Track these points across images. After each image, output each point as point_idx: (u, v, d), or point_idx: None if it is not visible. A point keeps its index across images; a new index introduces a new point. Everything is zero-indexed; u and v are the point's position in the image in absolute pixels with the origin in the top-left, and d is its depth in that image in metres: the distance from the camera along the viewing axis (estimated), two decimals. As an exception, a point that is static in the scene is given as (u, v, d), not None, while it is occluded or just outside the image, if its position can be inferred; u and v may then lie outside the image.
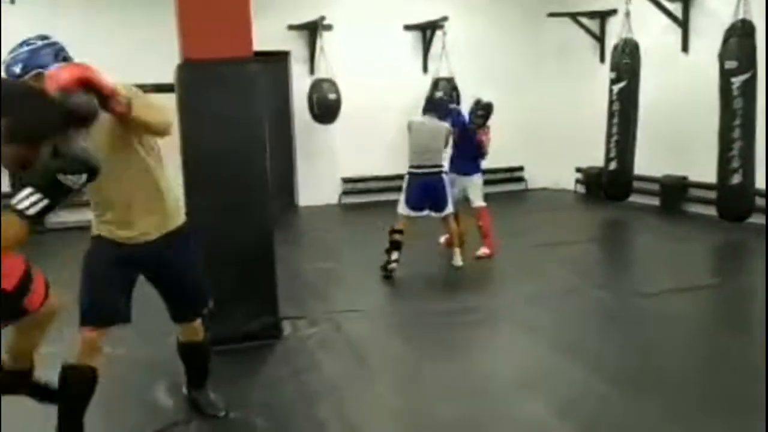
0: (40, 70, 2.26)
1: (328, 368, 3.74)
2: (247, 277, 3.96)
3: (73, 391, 2.61)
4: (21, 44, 2.33)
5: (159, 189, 2.61)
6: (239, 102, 3.87)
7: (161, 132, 2.49)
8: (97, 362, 2.61)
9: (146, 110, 2.35)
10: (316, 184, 9.42)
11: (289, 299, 4.52)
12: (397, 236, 5.57)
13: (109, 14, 7.98)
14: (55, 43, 2.38)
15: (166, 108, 2.53)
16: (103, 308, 2.59)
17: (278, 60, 9.10)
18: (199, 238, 2.92)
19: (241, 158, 3.91)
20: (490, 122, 6.11)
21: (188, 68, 3.80)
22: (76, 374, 2.59)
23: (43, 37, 2.38)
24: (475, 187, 6.15)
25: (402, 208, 5.70)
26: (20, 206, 1.63)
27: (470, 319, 4.54)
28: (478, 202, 6.15)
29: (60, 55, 2.33)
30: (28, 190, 1.67)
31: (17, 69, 2.28)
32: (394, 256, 5.50)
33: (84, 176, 1.75)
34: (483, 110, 6.08)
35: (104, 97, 2.16)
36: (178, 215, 2.73)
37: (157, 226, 2.62)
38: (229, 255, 3.88)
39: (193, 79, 3.80)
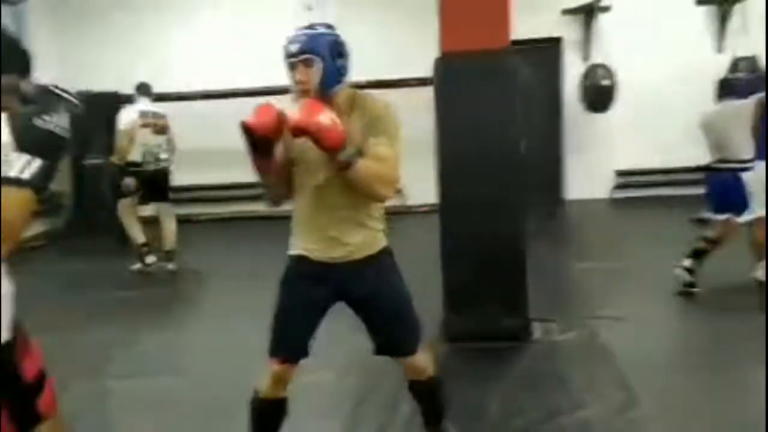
0: (311, 56, 2.23)
1: (578, 381, 3.44)
2: (496, 275, 3.85)
3: (260, 422, 2.52)
4: (307, 26, 2.33)
5: (373, 205, 2.41)
6: (494, 93, 3.76)
7: (373, 198, 2.32)
8: (285, 393, 2.48)
9: (370, 175, 2.21)
10: (586, 177, 8.90)
11: (542, 300, 4.29)
12: (703, 244, 4.69)
13: (396, 11, 8.40)
14: (335, 35, 2.33)
15: (393, 177, 2.29)
16: (288, 345, 2.43)
17: (550, 47, 8.78)
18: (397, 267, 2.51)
19: (496, 152, 3.80)
20: None
21: (444, 61, 3.79)
22: (264, 405, 2.49)
23: (327, 26, 2.36)
24: (757, 183, 4.56)
25: (709, 212, 4.81)
26: (12, 174, 1.40)
27: (756, 346, 3.82)
28: (756, 207, 4.56)
29: (336, 49, 2.29)
30: (13, 155, 1.42)
31: (293, 48, 2.26)
32: (687, 263, 4.62)
33: (66, 115, 1.47)
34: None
35: (323, 148, 2.14)
36: (380, 238, 2.47)
37: (360, 247, 2.40)
38: (478, 252, 3.82)
39: (448, 72, 3.77)
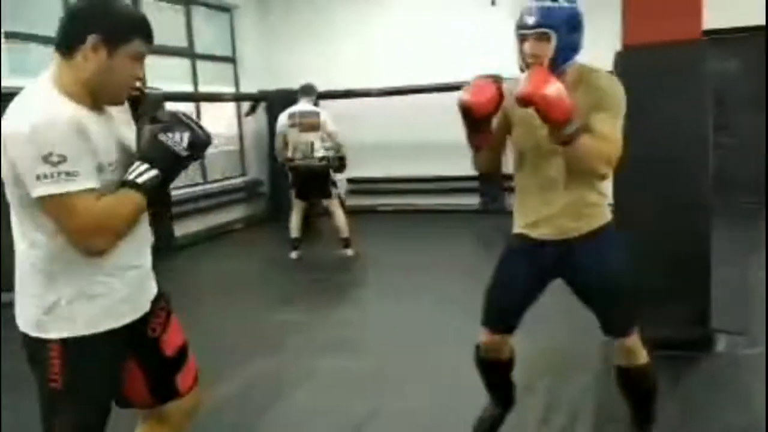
0: (547, 30, 2.14)
1: (762, 400, 3.12)
2: (676, 280, 3.63)
3: (486, 374, 2.64)
4: None
5: (594, 181, 2.33)
6: (682, 90, 3.54)
7: (590, 175, 2.23)
8: (505, 355, 2.57)
9: (590, 151, 2.12)
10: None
11: (730, 310, 3.98)
12: None
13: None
14: (573, 8, 2.21)
15: (613, 155, 2.18)
16: (498, 318, 2.49)
17: (757, 36, 7.96)
18: (623, 243, 2.50)
19: (679, 153, 3.59)
20: None
21: (625, 55, 3.63)
22: (485, 364, 2.60)
23: (570, 0, 2.22)
24: None
25: None
26: (130, 177, 1.57)
27: None
28: None
29: (572, 22, 2.19)
30: (137, 162, 1.60)
31: (529, 21, 2.17)
32: None
33: (186, 135, 1.61)
34: None
35: (548, 121, 2.08)
36: (600, 214, 2.41)
37: (579, 225, 2.35)
38: (656, 255, 3.63)
39: (630, 67, 3.59)
